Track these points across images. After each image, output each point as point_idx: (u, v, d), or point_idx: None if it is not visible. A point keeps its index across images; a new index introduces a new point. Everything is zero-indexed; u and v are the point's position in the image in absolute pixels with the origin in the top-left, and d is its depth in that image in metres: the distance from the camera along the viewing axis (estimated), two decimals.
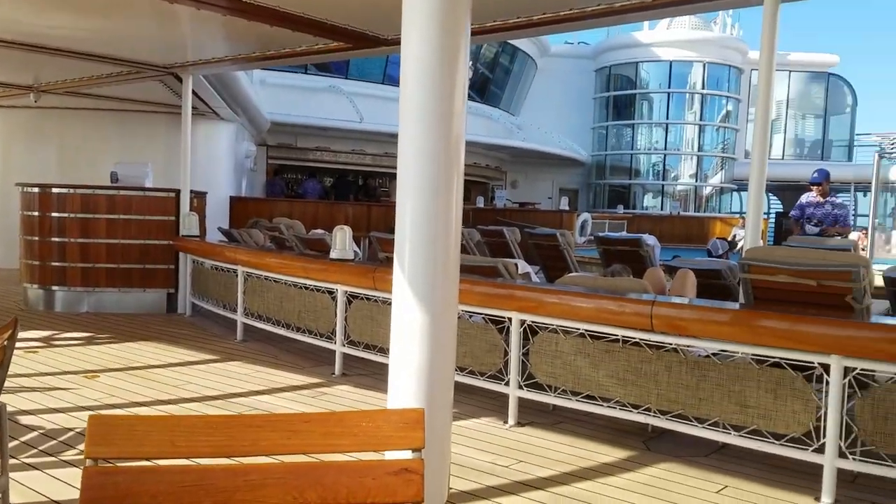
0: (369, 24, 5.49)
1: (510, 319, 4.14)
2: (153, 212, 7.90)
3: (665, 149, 27.19)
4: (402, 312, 2.19)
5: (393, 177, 20.72)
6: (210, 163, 12.20)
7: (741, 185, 28.74)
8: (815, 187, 8.37)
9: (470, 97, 17.66)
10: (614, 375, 3.77)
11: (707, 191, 27.45)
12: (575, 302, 3.85)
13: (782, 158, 28.98)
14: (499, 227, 9.65)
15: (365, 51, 6.11)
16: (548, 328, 4.01)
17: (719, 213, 27.51)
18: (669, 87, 26.62)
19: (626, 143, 27.48)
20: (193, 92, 8.81)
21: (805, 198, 8.63)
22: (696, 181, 26.98)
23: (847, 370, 3.08)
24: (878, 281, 7.10)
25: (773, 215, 26.32)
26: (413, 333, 2.19)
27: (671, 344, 3.56)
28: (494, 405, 4.40)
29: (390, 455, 1.29)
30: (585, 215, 18.61)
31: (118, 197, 7.78)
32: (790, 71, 28.37)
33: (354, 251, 6.08)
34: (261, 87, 15.20)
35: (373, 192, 20.29)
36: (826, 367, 3.12)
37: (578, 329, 3.88)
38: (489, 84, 23.69)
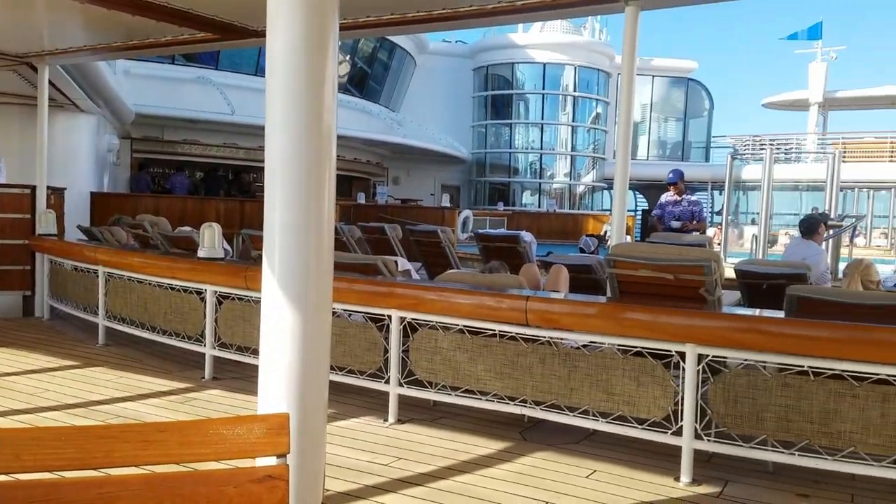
0: (237, 15, 5.31)
1: (390, 317, 4.14)
2: (6, 209, 7.29)
3: (541, 148, 28.09)
4: (272, 312, 2.13)
5: None
6: (69, 157, 11.40)
7: (611, 184, 30.17)
8: (671, 187, 8.93)
9: (348, 92, 17.61)
10: (492, 369, 3.85)
11: (581, 189, 28.62)
12: (454, 298, 3.90)
13: (647, 159, 30.67)
14: (380, 223, 9.61)
15: (233, 42, 5.90)
16: (427, 325, 4.04)
17: (592, 210, 28.78)
18: (544, 89, 27.52)
19: (504, 141, 28.17)
20: (51, 82, 8.21)
21: (664, 197, 9.19)
22: (571, 180, 28.06)
23: (700, 357, 3.30)
24: (732, 274, 7.68)
25: (640, 212, 27.81)
26: (283, 334, 2.14)
27: (545, 337, 3.68)
28: (375, 403, 4.38)
29: (255, 462, 1.25)
30: (467, 212, 18.91)
31: None
32: (653, 76, 30.03)
33: (225, 249, 5.87)
34: (125, 78, 14.37)
35: (247, 187, 19.63)
36: (682, 355, 3.33)
37: (457, 325, 3.93)
38: (367, 79, 23.56)
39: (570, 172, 28.11)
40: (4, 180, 7.68)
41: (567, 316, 3.57)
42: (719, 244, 14.88)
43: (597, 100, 28.24)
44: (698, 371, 3.30)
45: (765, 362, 3.20)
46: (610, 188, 30.94)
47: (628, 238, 22.42)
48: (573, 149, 28.01)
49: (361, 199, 17.23)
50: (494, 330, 3.81)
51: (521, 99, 28.06)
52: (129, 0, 4.98)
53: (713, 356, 3.29)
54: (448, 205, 17.24)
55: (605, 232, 22.03)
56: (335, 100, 2.18)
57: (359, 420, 4.19)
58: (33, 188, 7.33)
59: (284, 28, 2.09)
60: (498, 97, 27.97)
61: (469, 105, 28.26)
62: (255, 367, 4.59)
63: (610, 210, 29.39)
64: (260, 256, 5.90)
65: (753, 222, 20.27)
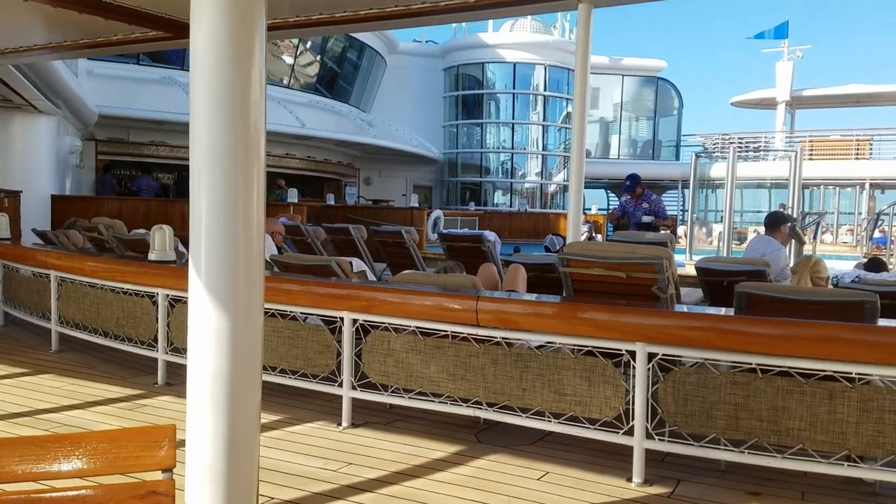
0: (187, 13, 5.19)
1: (342, 319, 4.07)
2: None
3: (512, 147, 28.11)
4: (197, 315, 2.06)
5: None
6: (27, 159, 11.16)
7: (585, 183, 30.28)
8: (629, 194, 9.03)
9: (318, 91, 17.47)
10: (445, 370, 3.80)
11: (552, 188, 28.69)
12: (405, 299, 3.84)
13: (618, 158, 30.88)
14: (345, 224, 9.53)
15: (185, 41, 5.77)
16: (380, 327, 3.98)
17: (563, 208, 28.87)
18: (514, 88, 27.54)
19: (475, 141, 28.14)
20: (4, 83, 8.03)
21: (623, 199, 9.27)
22: (542, 179, 28.12)
23: (650, 356, 3.28)
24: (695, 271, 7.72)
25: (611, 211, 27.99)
26: (209, 337, 2.06)
27: (496, 337, 3.63)
28: (329, 407, 4.30)
29: (143, 477, 1.18)
30: (438, 212, 18.86)
31: None
32: (623, 75, 30.23)
33: (181, 251, 5.75)
34: (87, 78, 14.11)
35: None
36: (632, 354, 3.31)
37: (409, 326, 3.87)
38: (337, 79, 23.40)
39: (542, 172, 28.16)
40: None
41: (517, 315, 3.53)
42: (683, 240, 15.02)
43: (567, 99, 28.32)
44: (648, 370, 3.28)
45: (713, 360, 3.19)
46: (587, 187, 31.15)
47: (599, 237, 22.50)
48: (544, 148, 28.07)
49: (331, 200, 17.08)
50: (447, 331, 3.76)
51: (492, 98, 28.06)
52: None
53: (662, 354, 3.26)
54: (417, 205, 17.15)
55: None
56: (263, 96, 2.11)
57: (311, 425, 4.11)
58: None
59: (208, 21, 2.02)
60: (469, 97, 27.94)
61: (440, 105, 28.21)
62: None
63: (584, 210, 29.51)
64: None
65: (722, 220, 20.51)
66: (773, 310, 3.35)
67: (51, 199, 11.93)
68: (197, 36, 2.03)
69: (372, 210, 15.79)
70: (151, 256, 4.94)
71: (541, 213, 25.20)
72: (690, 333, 3.17)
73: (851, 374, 2.96)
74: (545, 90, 27.60)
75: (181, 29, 5.45)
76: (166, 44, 6.07)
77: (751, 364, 3.12)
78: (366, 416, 4.21)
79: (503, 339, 3.62)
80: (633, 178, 9.58)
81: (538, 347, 3.57)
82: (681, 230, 20.31)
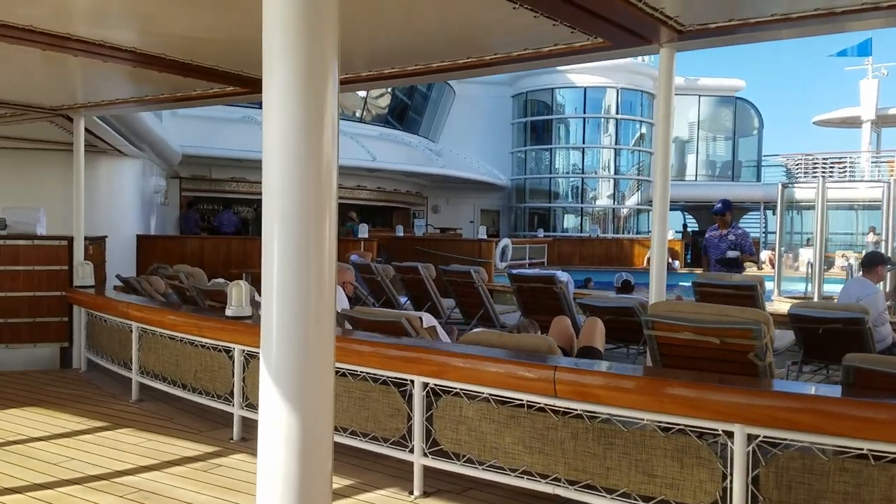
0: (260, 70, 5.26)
1: (412, 382, 3.95)
2: (44, 261, 7.36)
3: (582, 171, 27.73)
4: (267, 374, 1.96)
5: None
6: (114, 202, 11.59)
7: None
8: (717, 218, 8.60)
9: (389, 123, 17.70)
10: (521, 442, 3.62)
11: (625, 212, 28.11)
12: (479, 366, 3.69)
13: (696, 179, 30.04)
14: (414, 263, 9.48)
15: (260, 95, 5.85)
16: (451, 392, 3.83)
17: (637, 232, 28.23)
18: (585, 112, 27.21)
19: (544, 166, 27.89)
20: (90, 131, 8.34)
21: (709, 233, 8.87)
22: (614, 202, 27.59)
23: (751, 437, 3.02)
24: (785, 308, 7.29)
25: (690, 234, 27.16)
26: (282, 398, 1.96)
27: (576, 410, 3.44)
28: (400, 472, 4.18)
29: None
30: (505, 241, 18.69)
31: (3, 248, 7.21)
32: (700, 95, 29.49)
33: (257, 301, 5.77)
34: (171, 119, 14.63)
35: None
36: (729, 435, 3.05)
37: (482, 393, 3.72)
38: (408, 110, 23.66)
39: (614, 194, 27.62)
40: (44, 230, 7.77)
41: (599, 389, 3.32)
42: (772, 265, 14.34)
43: (640, 121, 27.80)
44: (748, 453, 3.02)
45: (820, 444, 2.90)
46: None
47: (676, 263, 21.74)
48: (616, 171, 27.56)
49: (400, 231, 17.15)
50: (522, 399, 3.58)
51: (562, 123, 27.80)
52: (156, 59, 4.97)
53: (763, 436, 3.00)
54: (485, 237, 17.02)
55: (649, 259, 21.58)
56: (335, 152, 1.99)
57: (382, 492, 3.99)
58: (70, 239, 7.40)
59: (280, 81, 1.92)
60: (538, 122, 27.77)
61: (508, 132, 28.13)
62: None
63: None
64: None
65: (808, 242, 19.56)
66: (886, 385, 3.04)
67: (136, 240, 12.36)
68: (269, 94, 1.94)
69: (440, 242, 15.75)
70: (228, 312, 4.96)
71: (613, 239, 24.70)
72: (794, 416, 2.90)
73: None
74: (617, 113, 27.17)
75: (256, 84, 5.51)
76: (242, 98, 6.17)
77: (862, 449, 2.82)
78: (438, 482, 4.06)
79: (584, 412, 3.41)
80: (726, 204, 9.10)
81: (620, 423, 3.34)
82: (764, 255, 19.48)
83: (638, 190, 28.29)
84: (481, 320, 8.73)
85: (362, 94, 21.52)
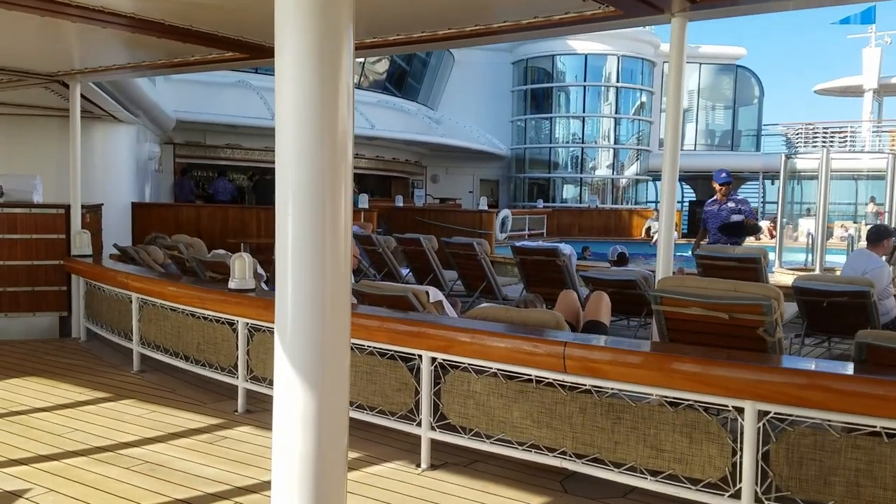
0: (264, 35, 5.14)
1: (420, 357, 3.92)
2: (41, 230, 7.29)
3: (582, 141, 27.53)
4: (285, 348, 1.92)
5: None
6: (109, 169, 11.46)
7: (655, 176, 29.48)
8: (721, 187, 8.54)
9: (387, 90, 17.40)
10: (529, 416, 3.61)
11: (623, 182, 28.00)
12: (487, 341, 3.66)
13: (694, 149, 29.86)
14: (416, 235, 9.43)
15: (261, 61, 5.74)
16: (459, 367, 3.81)
17: (636, 202, 28.17)
18: (585, 80, 26.94)
19: (544, 136, 27.69)
20: (85, 97, 8.20)
21: (707, 206, 8.82)
22: (613, 172, 27.46)
23: (761, 414, 3.00)
24: (789, 279, 7.27)
25: (687, 204, 27.10)
26: (297, 372, 1.93)
27: (585, 385, 3.42)
28: (408, 445, 4.17)
29: None
30: (506, 212, 18.63)
31: (1, 216, 7.13)
32: (700, 63, 29.18)
33: (259, 274, 5.72)
34: (164, 83, 14.42)
35: None
36: (740, 411, 3.04)
37: (490, 368, 3.69)
38: (406, 77, 23.38)
39: (613, 164, 27.48)
40: (41, 198, 7.67)
41: (609, 364, 3.30)
42: (774, 237, 14.31)
43: (641, 90, 27.54)
44: (759, 429, 3.01)
45: (831, 420, 2.89)
46: (655, 180, 30.23)
47: (675, 233, 21.90)
48: (616, 141, 27.37)
49: (399, 202, 17.05)
50: (531, 375, 3.56)
51: (562, 91, 27.53)
52: (154, 25, 4.84)
53: (775, 413, 2.98)
54: (485, 207, 16.92)
55: (650, 227, 21.52)
56: (351, 116, 1.92)
57: (391, 465, 3.99)
58: (67, 208, 7.31)
59: (293, 44, 1.84)
60: (538, 90, 27.50)
61: (508, 99, 27.86)
62: None
63: (655, 203, 28.64)
64: None
65: (809, 212, 19.51)
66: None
67: (131, 208, 12.25)
68: (282, 61, 1.85)
69: (440, 213, 15.67)
70: (231, 285, 4.91)
71: (612, 210, 24.64)
72: (805, 393, 2.88)
73: None
74: (618, 81, 26.91)
75: (257, 50, 5.41)
76: (242, 63, 6.04)
77: (875, 427, 2.81)
78: (445, 455, 4.06)
79: (593, 387, 3.40)
80: (728, 174, 9.05)
81: (629, 398, 3.33)
82: (763, 224, 19.44)
83: (637, 160, 28.15)
84: (483, 293, 8.71)
85: (359, 59, 21.25)
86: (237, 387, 4.98)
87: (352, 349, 4.16)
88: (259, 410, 4.92)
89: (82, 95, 7.74)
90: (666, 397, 3.22)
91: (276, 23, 1.85)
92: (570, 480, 3.77)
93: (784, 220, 11.44)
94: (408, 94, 23.28)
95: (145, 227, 11.39)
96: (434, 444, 4.00)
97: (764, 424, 3.00)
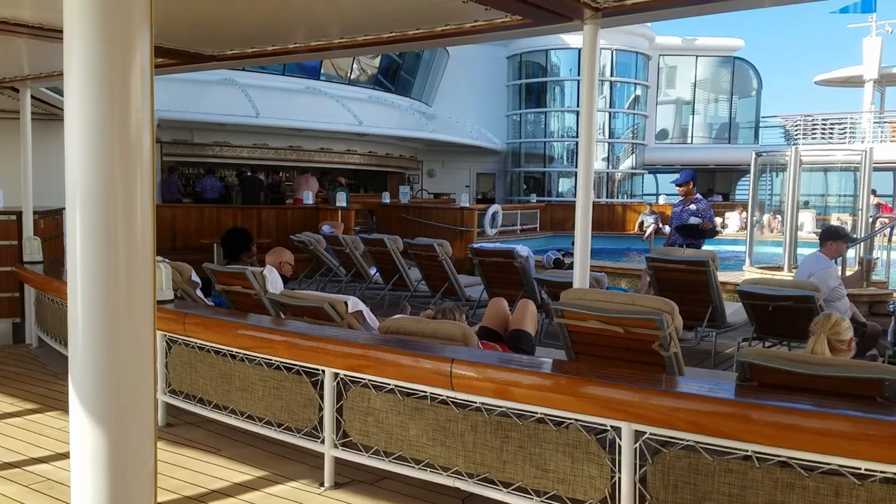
0: (189, 43, 5.08)
1: (323, 372, 3.86)
2: None
3: (577, 135, 27.31)
4: (74, 382, 1.82)
5: (301, 170, 20.05)
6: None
7: (652, 170, 29.27)
8: (678, 187, 8.50)
9: (380, 84, 17.21)
10: (425, 435, 3.54)
11: (619, 175, 27.80)
12: (381, 356, 3.59)
13: (691, 142, 29.62)
14: (380, 236, 9.38)
15: (191, 66, 5.68)
16: (360, 383, 3.75)
17: (631, 195, 27.95)
18: (579, 74, 26.67)
19: (539, 130, 27.50)
20: (41, 100, 8.18)
21: (674, 206, 8.80)
22: (609, 166, 27.26)
23: (637, 434, 2.92)
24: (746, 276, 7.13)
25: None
26: (87, 412, 1.83)
27: (475, 403, 3.35)
28: (317, 462, 4.10)
29: None
30: (495, 207, 18.51)
31: None
32: (697, 55, 28.92)
33: (196, 282, 5.66)
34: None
35: (276, 187, 19.61)
36: (618, 431, 2.96)
37: (388, 385, 3.63)
38: (399, 71, 23.23)
39: (609, 158, 27.26)
40: (2, 204, 7.66)
41: (490, 382, 3.22)
42: (740, 230, 14.11)
43: (635, 83, 27.31)
44: (635, 450, 2.93)
45: (705, 444, 2.81)
46: (651, 173, 29.99)
47: (667, 228, 21.64)
48: (611, 134, 27.15)
49: (386, 198, 16.97)
50: (424, 391, 3.49)
51: (557, 85, 27.33)
52: None
53: (650, 434, 2.90)
54: (467, 204, 16.82)
55: (643, 222, 21.33)
56: (149, 105, 1.81)
57: (293, 484, 3.93)
58: (20, 213, 7.29)
59: (80, 26, 1.73)
60: (533, 85, 27.31)
61: (503, 94, 27.68)
62: (205, 417, 4.45)
63: (655, 196, 28.35)
64: (223, 291, 5.64)
65: (807, 205, 19.28)
66: (781, 382, 2.93)
67: None
68: (71, 45, 1.75)
69: (424, 210, 15.58)
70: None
71: (606, 205, 24.46)
72: (676, 415, 2.79)
73: (860, 469, 2.54)
74: (612, 75, 26.68)
75: (185, 56, 5.36)
76: (174, 69, 5.98)
77: (746, 451, 2.73)
78: (353, 472, 4.00)
79: (482, 405, 3.33)
80: (687, 175, 9.01)
81: (516, 416, 3.25)
82: (764, 218, 19.23)
83: (632, 153, 27.93)
84: (446, 293, 8.65)
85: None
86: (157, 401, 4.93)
87: (259, 363, 4.13)
88: (180, 424, 4.87)
89: (38, 98, 7.72)
90: (548, 415, 3.14)
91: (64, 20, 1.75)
92: (470, 500, 3.70)
93: (764, 213, 11.27)
94: (401, 89, 23.13)
95: None
96: (341, 462, 3.94)
97: (640, 445, 2.93)
